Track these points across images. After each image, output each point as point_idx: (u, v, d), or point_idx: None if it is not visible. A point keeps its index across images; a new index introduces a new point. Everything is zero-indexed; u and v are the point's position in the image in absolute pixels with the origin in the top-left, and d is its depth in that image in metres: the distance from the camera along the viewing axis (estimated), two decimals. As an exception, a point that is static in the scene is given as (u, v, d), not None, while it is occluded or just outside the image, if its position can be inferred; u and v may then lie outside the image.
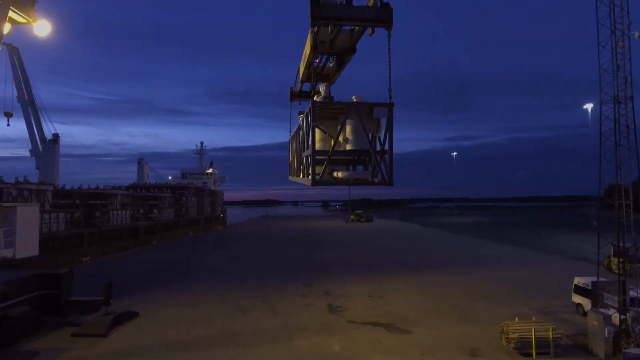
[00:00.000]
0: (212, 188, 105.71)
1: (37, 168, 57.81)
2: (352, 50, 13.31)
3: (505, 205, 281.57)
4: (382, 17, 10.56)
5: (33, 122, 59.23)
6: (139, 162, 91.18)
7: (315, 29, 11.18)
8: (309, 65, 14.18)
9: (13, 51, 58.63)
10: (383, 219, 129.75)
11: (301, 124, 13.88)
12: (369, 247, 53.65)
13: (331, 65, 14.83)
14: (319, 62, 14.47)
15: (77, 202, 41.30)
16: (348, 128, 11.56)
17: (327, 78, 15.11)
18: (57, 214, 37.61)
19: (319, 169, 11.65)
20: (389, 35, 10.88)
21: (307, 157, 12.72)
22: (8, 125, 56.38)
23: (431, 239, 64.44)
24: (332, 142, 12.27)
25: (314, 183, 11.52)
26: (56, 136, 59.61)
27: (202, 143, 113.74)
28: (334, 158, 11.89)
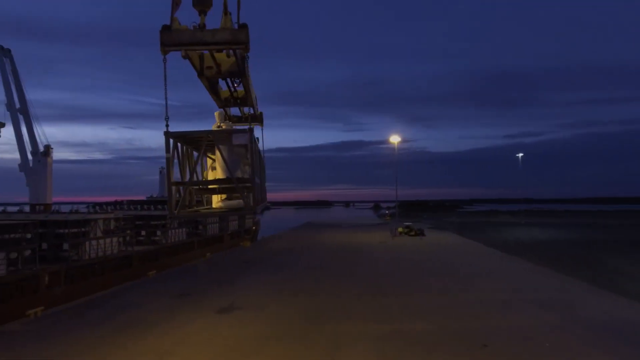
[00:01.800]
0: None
1: (27, 185, 50.74)
2: (242, 73, 12.85)
3: (577, 208, 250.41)
4: (238, 39, 10.27)
5: (25, 133, 52.42)
6: (160, 173, 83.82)
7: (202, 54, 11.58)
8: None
9: (4, 53, 52.30)
10: (437, 230, 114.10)
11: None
12: (420, 298, 40.56)
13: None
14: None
15: (29, 235, 32.51)
16: (218, 156, 11.84)
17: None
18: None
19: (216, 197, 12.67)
20: (247, 57, 11.09)
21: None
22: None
23: (507, 274, 49.63)
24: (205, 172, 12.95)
25: (171, 216, 11.73)
26: (48, 148, 52.29)
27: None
28: (211, 187, 12.39)
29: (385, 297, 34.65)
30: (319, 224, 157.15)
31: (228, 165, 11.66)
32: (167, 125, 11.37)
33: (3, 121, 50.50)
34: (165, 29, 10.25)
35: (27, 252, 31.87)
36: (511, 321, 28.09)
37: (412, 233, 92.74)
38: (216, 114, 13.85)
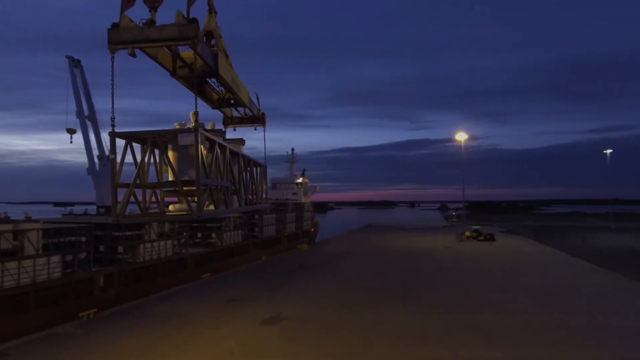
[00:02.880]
0: (302, 200, 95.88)
1: (94, 188, 53.40)
2: (214, 73, 12.76)
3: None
4: (185, 34, 9.96)
5: (93, 139, 55.31)
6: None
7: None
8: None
9: (74, 63, 55.59)
10: (510, 235, 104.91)
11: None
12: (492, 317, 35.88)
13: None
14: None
15: (84, 238, 33.14)
16: (171, 157, 11.74)
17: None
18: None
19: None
20: (195, 54, 10.61)
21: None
22: (71, 142, 53.07)
23: (594, 291, 42.80)
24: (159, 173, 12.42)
25: (115, 221, 11.53)
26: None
27: (292, 150, 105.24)
28: (168, 189, 12.26)
29: (448, 314, 30.81)
30: (381, 225, 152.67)
31: (171, 167, 11.46)
32: (112, 126, 11.10)
33: (74, 128, 53.69)
34: (114, 27, 10.03)
35: (83, 255, 32.59)
36: (597, 356, 23.13)
37: (481, 238, 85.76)
38: (191, 114, 13.44)
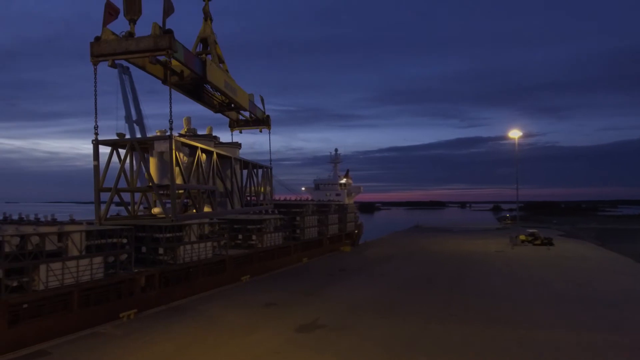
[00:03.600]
0: (346, 200, 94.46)
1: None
2: (203, 79, 13.84)
3: None
4: (160, 45, 10.90)
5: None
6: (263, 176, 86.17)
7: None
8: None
9: (123, 70, 57.79)
10: (570, 239, 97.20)
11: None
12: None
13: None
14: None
15: (125, 240, 33.84)
16: (151, 163, 12.64)
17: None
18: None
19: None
20: (168, 62, 11.56)
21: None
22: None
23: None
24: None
25: (99, 223, 12.28)
26: (158, 155, 56.33)
27: (336, 150, 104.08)
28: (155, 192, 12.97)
29: (496, 329, 28.25)
30: (429, 227, 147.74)
31: (148, 172, 12.14)
32: (96, 134, 11.70)
33: (123, 132, 55.88)
34: (96, 40, 10.81)
35: (124, 256, 33.32)
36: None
37: (538, 242, 79.98)
38: (184, 119, 15.05)
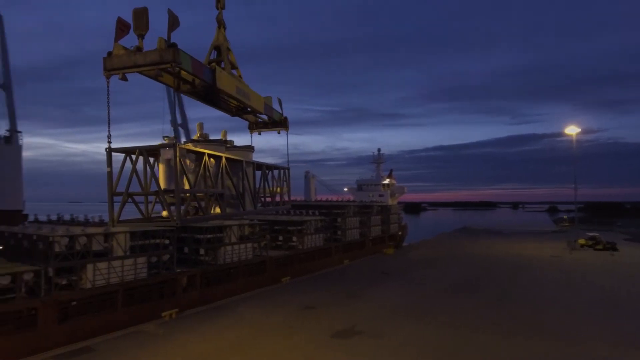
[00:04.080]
0: (389, 201, 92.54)
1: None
2: (213, 87, 14.09)
3: None
4: (165, 58, 11.26)
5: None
6: (305, 176, 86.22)
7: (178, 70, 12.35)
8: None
9: (170, 76, 60.09)
10: (637, 243, 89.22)
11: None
12: None
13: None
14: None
15: (168, 241, 34.65)
16: (160, 169, 13.37)
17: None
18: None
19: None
20: (175, 72, 11.97)
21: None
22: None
23: None
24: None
25: (112, 225, 13.05)
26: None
27: (379, 150, 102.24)
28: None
29: (548, 344, 26.01)
30: (477, 229, 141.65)
31: (155, 178, 12.57)
32: (109, 142, 12.20)
33: (169, 135, 57.83)
34: (108, 55, 11.46)
35: (167, 257, 34.18)
36: None
37: (599, 246, 74.02)
38: (197, 124, 15.29)
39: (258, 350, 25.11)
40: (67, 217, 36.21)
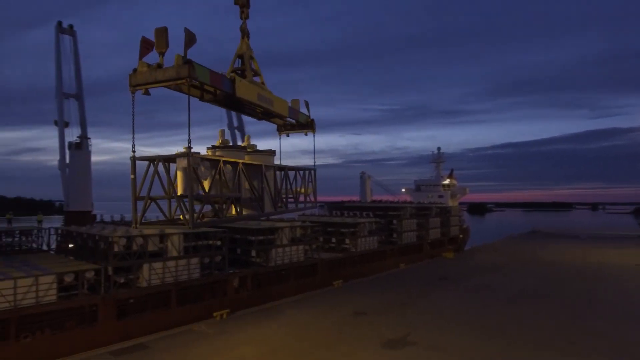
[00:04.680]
0: (449, 203, 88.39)
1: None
2: (233, 96, 15.36)
3: None
4: (181, 74, 12.40)
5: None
6: (360, 177, 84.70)
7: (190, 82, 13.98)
8: None
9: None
10: None
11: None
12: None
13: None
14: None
15: (219, 242, 35.16)
16: (178, 176, 14.62)
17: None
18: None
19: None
20: (188, 88, 13.68)
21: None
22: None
23: None
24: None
25: (135, 227, 13.90)
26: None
27: (439, 149, 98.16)
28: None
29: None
30: (549, 232, 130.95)
31: (172, 184, 13.87)
32: (133, 151, 13.28)
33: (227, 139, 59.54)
34: (134, 72, 12.56)
35: (219, 258, 34.75)
36: None
37: (696, 255, 64.83)
38: (219, 131, 17.00)
39: (303, 357, 24.45)
40: (128, 217, 38.18)
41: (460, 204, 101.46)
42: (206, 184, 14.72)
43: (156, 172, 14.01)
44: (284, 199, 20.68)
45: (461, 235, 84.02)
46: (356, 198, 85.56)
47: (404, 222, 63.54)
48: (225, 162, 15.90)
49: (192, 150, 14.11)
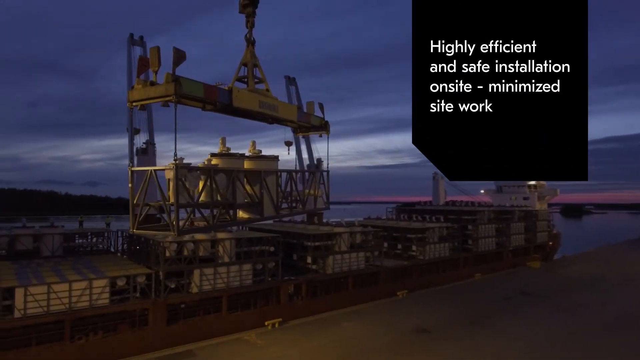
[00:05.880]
0: (536, 206, 79.32)
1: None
2: (230, 106, 15.46)
3: None
4: (169, 91, 12.88)
5: (304, 149, 59.31)
6: (433, 178, 79.06)
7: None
8: None
9: (290, 82, 61.05)
10: None
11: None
12: None
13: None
14: None
15: (272, 248, 33.94)
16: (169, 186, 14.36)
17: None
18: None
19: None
20: (175, 104, 13.24)
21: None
22: (288, 153, 58.38)
23: None
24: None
25: (132, 231, 14.58)
26: (319, 161, 56.90)
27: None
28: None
29: None
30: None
31: (163, 191, 14.14)
32: (130, 164, 16.03)
33: (291, 140, 58.83)
34: (131, 88, 13.41)
35: (272, 264, 33.62)
36: None
37: None
38: (220, 139, 17.40)
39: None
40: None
41: (550, 205, 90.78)
42: (198, 192, 15.30)
43: (156, 180, 14.41)
44: (290, 202, 20.42)
45: (550, 243, 74.67)
46: (429, 199, 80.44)
47: (480, 228, 57.70)
48: (218, 170, 16.15)
49: (186, 161, 14.66)
